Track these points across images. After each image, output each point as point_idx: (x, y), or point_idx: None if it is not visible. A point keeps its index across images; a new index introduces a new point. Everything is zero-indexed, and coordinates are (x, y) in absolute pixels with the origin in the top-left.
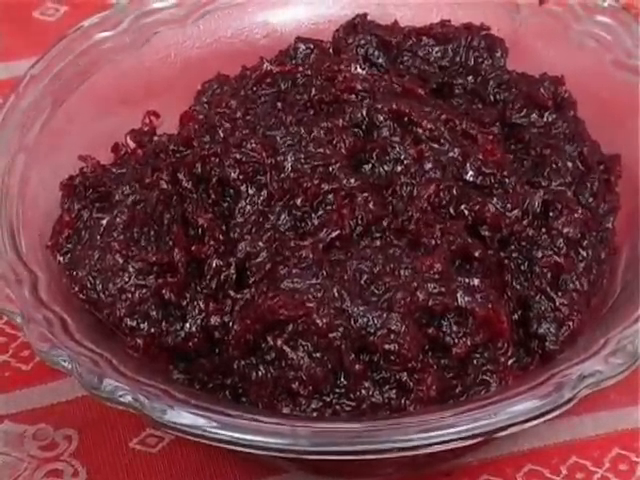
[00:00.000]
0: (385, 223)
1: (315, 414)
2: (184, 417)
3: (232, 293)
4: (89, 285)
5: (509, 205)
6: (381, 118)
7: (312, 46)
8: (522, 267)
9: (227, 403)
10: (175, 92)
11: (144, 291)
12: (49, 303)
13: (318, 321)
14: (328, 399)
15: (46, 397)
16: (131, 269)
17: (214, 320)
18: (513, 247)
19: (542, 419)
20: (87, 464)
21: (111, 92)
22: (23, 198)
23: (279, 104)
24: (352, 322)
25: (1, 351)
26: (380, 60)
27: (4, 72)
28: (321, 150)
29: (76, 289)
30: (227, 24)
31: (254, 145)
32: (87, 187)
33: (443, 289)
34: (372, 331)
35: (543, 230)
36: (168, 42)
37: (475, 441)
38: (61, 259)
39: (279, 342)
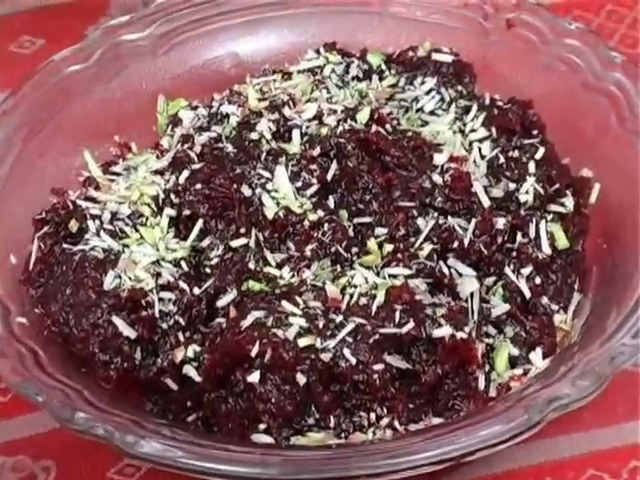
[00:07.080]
0: (353, 252)
1: (285, 442)
2: (155, 448)
3: (202, 328)
4: (62, 319)
5: (477, 231)
6: (349, 147)
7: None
8: (491, 291)
9: (198, 433)
10: (146, 123)
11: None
12: (21, 336)
13: (285, 355)
14: (299, 427)
15: (24, 428)
16: (104, 305)
17: (185, 355)
18: (482, 272)
19: (510, 443)
20: None
21: (83, 125)
22: None
23: (248, 135)
24: (320, 354)
25: None
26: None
27: None
28: (289, 182)
29: (48, 323)
30: (197, 54)
31: (222, 181)
32: (59, 223)
33: (411, 319)
34: (340, 362)
35: (512, 254)
36: (139, 73)
37: (444, 466)
38: (34, 293)
39: (247, 376)
